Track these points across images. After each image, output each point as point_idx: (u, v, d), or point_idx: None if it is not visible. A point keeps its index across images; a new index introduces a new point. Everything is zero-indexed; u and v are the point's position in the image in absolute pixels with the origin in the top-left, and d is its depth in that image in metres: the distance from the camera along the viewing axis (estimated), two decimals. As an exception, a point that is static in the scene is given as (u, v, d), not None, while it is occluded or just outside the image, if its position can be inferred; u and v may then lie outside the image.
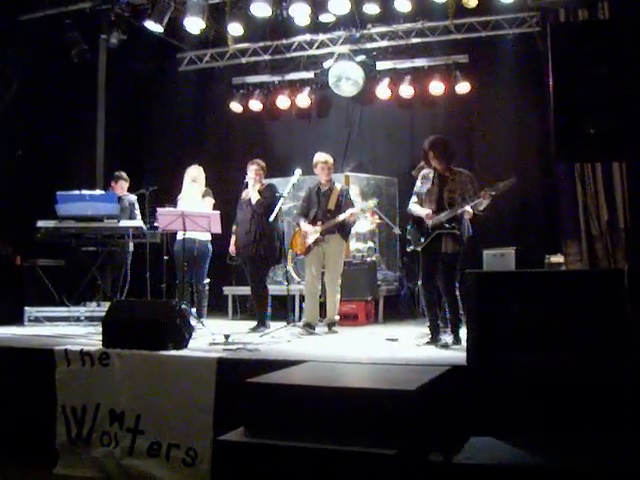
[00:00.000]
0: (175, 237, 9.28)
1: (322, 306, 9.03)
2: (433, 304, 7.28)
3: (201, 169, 9.47)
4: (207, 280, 9.46)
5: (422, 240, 7.14)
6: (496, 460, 4.15)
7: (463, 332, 6.85)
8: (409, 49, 12.47)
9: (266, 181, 8.95)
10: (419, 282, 7.77)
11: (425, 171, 7.35)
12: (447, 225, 6.97)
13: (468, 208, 6.94)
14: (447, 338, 7.14)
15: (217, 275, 10.37)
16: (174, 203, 9.24)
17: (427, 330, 7.52)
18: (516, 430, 4.65)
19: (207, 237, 9.24)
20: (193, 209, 8.83)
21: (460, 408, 4.94)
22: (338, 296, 8.89)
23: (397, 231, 10.52)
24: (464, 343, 6.67)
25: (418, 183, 7.42)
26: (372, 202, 9.24)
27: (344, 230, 8.84)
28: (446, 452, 4.35)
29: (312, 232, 8.70)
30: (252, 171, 8.73)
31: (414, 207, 7.35)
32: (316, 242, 8.70)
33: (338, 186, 9.00)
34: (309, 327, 8.46)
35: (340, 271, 8.89)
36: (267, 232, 8.53)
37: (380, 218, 10.20)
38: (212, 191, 9.52)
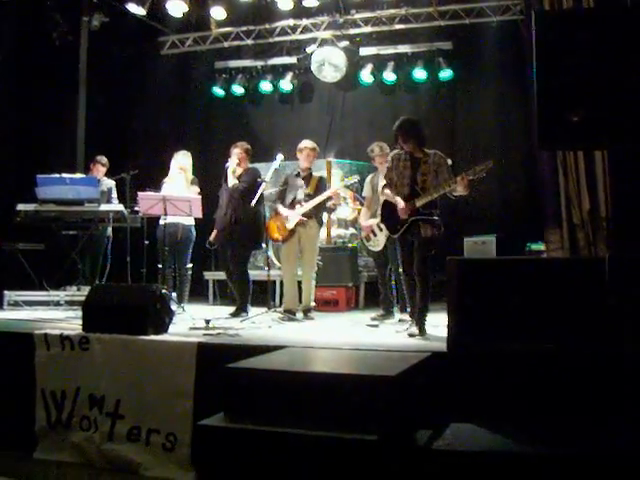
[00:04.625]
0: (158, 222, 9.23)
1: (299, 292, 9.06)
2: (415, 290, 7.21)
3: (189, 156, 9.43)
4: (190, 265, 9.43)
5: (398, 227, 6.99)
6: (476, 446, 4.17)
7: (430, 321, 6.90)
8: (392, 35, 12.47)
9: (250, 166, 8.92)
10: (400, 269, 7.69)
11: (395, 152, 7.19)
12: (423, 211, 6.82)
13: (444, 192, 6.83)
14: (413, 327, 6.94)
15: (198, 260, 10.35)
16: (159, 186, 9.18)
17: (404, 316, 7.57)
18: (496, 416, 4.66)
19: (190, 222, 9.21)
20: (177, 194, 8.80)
21: (440, 394, 4.95)
22: (314, 282, 8.88)
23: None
24: (429, 333, 6.70)
25: (389, 165, 7.25)
26: (353, 178, 9.23)
27: (320, 215, 8.85)
28: (426, 438, 4.37)
29: (293, 215, 8.65)
30: (234, 155, 8.71)
31: (389, 193, 7.16)
32: (297, 224, 8.64)
33: (317, 174, 9.01)
34: (289, 313, 8.46)
35: (316, 257, 8.90)
36: (244, 216, 8.48)
37: (361, 204, 10.18)
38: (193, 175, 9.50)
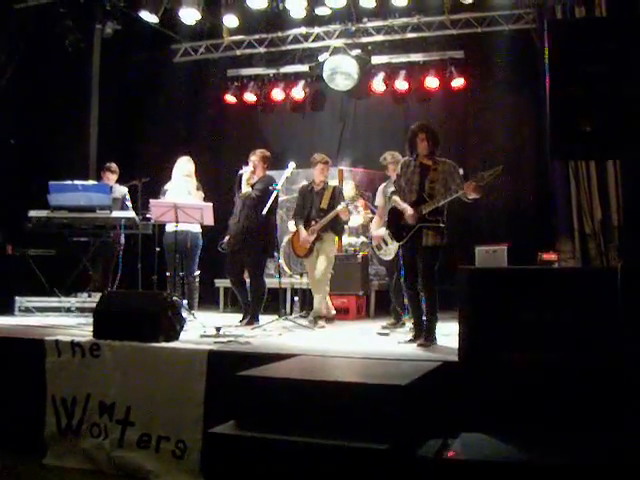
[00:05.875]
0: (164, 229, 9.25)
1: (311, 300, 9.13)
2: (417, 300, 7.07)
3: (192, 162, 9.43)
4: (197, 272, 9.44)
5: (404, 234, 6.93)
6: (486, 456, 4.16)
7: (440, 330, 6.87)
8: (405, 44, 12.47)
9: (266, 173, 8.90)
10: (401, 279, 7.60)
11: (405, 159, 7.14)
12: (429, 218, 6.75)
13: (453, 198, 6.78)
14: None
15: (209, 267, 10.36)
16: (161, 193, 9.20)
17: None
18: (507, 426, 4.65)
19: (198, 229, 9.23)
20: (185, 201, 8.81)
21: (451, 404, 4.94)
22: (327, 288, 8.97)
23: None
24: (439, 342, 6.68)
25: (398, 171, 7.22)
26: (354, 192, 9.29)
27: (337, 227, 8.98)
28: (437, 447, 4.35)
29: (309, 237, 8.85)
30: (250, 162, 8.69)
31: (397, 199, 7.08)
32: (314, 241, 8.84)
33: (331, 185, 9.13)
34: (318, 317, 8.72)
35: (329, 267, 8.94)
36: (255, 225, 8.44)
37: (372, 212, 10.18)
38: (204, 182, 9.53)
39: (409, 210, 6.84)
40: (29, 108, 11.40)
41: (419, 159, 6.98)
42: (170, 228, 9.02)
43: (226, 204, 9.15)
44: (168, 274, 9.05)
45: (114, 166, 10.22)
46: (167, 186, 9.31)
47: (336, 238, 9.14)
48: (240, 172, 8.74)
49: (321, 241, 8.87)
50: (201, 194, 9.28)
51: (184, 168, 9.33)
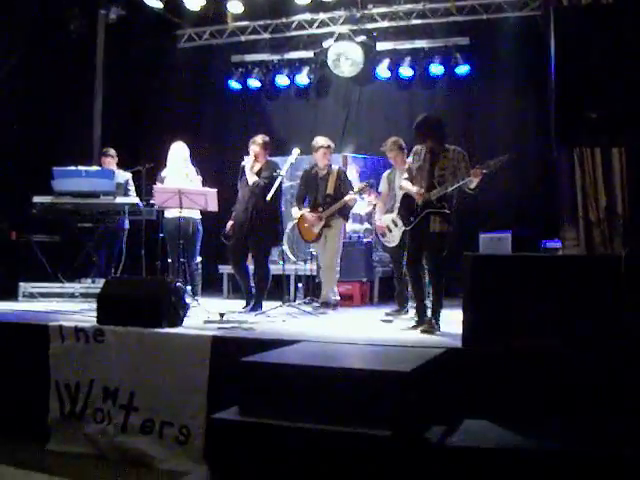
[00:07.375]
0: (163, 215, 9.20)
1: (318, 286, 9.11)
2: (420, 286, 7.11)
3: (186, 147, 9.33)
4: (199, 259, 9.42)
5: (412, 219, 6.98)
6: (490, 443, 4.15)
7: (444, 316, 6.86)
8: (409, 30, 12.44)
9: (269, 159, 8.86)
10: (404, 263, 7.63)
11: (417, 147, 7.16)
12: (436, 204, 6.79)
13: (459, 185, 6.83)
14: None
15: (213, 253, 10.36)
16: (159, 180, 9.14)
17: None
18: (510, 413, 4.65)
19: (198, 216, 9.18)
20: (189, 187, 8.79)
21: (455, 390, 4.93)
22: (337, 275, 8.97)
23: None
24: (443, 329, 6.67)
25: (410, 159, 7.29)
26: (362, 184, 9.28)
27: (344, 212, 8.98)
28: (440, 434, 4.35)
29: (317, 222, 8.85)
30: (251, 151, 8.64)
31: (405, 183, 7.17)
32: (322, 227, 8.88)
33: (335, 169, 9.09)
34: (326, 305, 8.76)
35: (340, 251, 8.99)
36: (264, 212, 8.42)
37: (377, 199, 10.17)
38: (208, 168, 9.53)
39: (415, 189, 6.92)
40: (33, 94, 11.38)
41: (429, 147, 7.02)
42: (171, 214, 8.99)
43: (230, 190, 9.12)
44: (170, 260, 9.02)
45: (112, 151, 10.18)
46: (164, 173, 9.22)
47: (344, 224, 9.14)
48: (242, 163, 8.70)
49: (329, 228, 8.88)
50: (200, 178, 9.24)
51: (180, 154, 9.25)
